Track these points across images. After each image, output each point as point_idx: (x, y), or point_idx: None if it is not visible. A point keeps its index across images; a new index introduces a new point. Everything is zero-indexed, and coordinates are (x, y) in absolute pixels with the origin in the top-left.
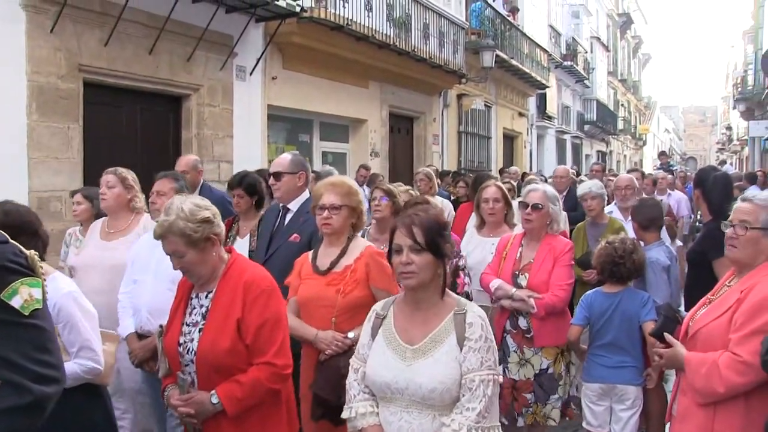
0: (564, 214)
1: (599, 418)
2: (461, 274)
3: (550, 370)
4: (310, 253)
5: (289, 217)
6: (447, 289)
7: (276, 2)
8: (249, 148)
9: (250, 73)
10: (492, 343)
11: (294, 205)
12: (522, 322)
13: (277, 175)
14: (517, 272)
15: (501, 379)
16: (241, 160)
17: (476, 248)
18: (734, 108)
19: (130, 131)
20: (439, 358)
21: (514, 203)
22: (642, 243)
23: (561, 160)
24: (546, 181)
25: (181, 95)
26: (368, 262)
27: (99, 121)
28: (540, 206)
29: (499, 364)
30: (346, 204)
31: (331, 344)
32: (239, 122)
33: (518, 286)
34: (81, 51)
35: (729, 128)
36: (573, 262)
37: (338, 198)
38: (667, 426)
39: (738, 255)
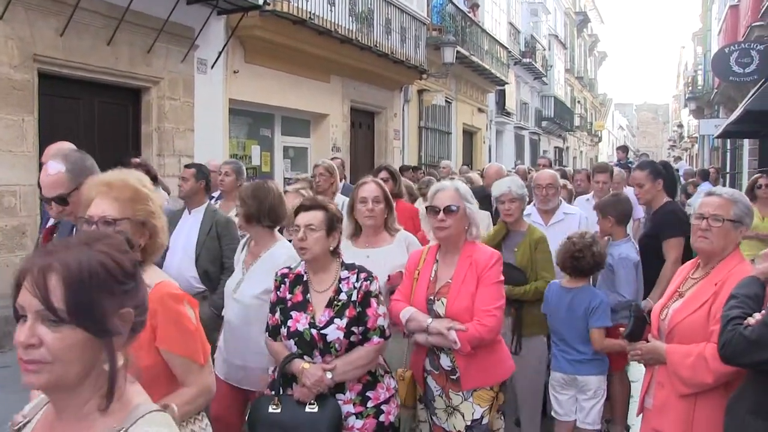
0: (486, 214)
1: (564, 406)
2: (373, 302)
3: (485, 420)
4: None
5: None
6: (130, 387)
7: None
8: (210, 142)
9: (212, 67)
10: None
11: None
12: (444, 361)
13: (61, 200)
14: (432, 297)
15: None
16: (202, 154)
17: None
18: (685, 106)
19: (87, 125)
20: None
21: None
22: (609, 239)
23: (519, 155)
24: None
25: (141, 88)
26: (156, 310)
27: (55, 113)
28: (455, 208)
29: (425, 408)
30: (126, 217)
31: None
32: (200, 116)
33: (435, 315)
34: (35, 40)
35: (680, 126)
36: (503, 278)
37: (115, 207)
38: (639, 417)
39: (710, 246)
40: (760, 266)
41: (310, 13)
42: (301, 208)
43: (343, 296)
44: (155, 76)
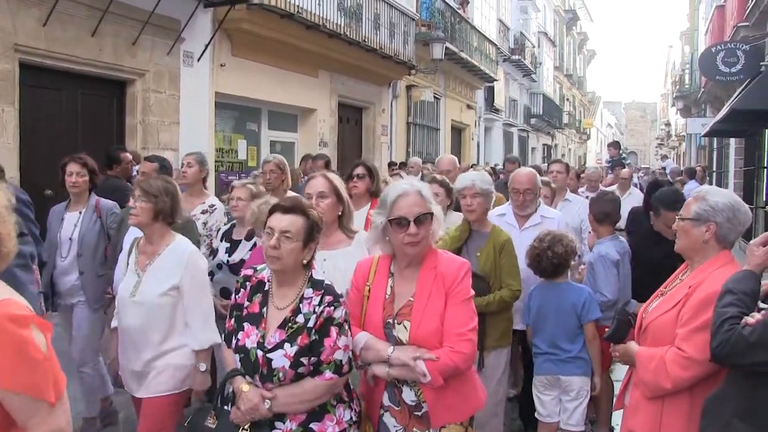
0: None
1: (548, 408)
2: (333, 331)
3: None
4: None
5: None
6: None
7: None
8: (196, 136)
9: (198, 60)
10: None
11: None
12: (407, 395)
13: None
14: (390, 320)
15: None
16: (188, 148)
17: None
18: (673, 105)
19: (70, 117)
20: None
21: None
22: (596, 236)
23: (508, 152)
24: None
25: (126, 80)
26: None
27: (37, 105)
28: (426, 217)
29: None
30: None
31: None
32: (186, 109)
33: (396, 342)
34: (16, 30)
35: (668, 124)
36: (473, 292)
37: None
38: (619, 413)
39: (677, 245)
40: (754, 259)
41: (297, 6)
42: (277, 208)
43: (300, 318)
44: (140, 68)
